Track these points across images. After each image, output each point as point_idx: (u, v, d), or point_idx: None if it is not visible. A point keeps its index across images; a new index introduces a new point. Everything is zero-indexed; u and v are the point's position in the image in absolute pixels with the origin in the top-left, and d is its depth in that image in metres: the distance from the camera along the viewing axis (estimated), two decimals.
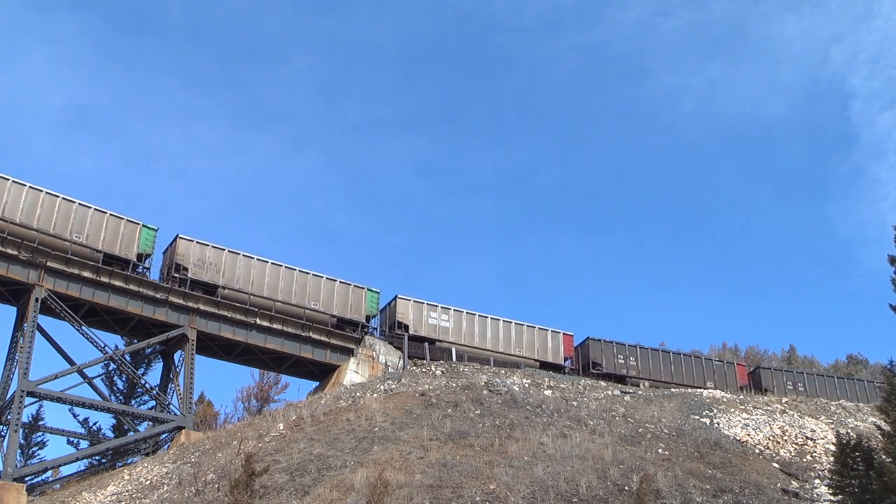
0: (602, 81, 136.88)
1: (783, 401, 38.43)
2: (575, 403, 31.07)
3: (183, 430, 30.83)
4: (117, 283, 31.60)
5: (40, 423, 33.23)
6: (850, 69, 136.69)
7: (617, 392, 35.61)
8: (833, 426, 32.89)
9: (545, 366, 39.87)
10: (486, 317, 40.31)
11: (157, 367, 36.06)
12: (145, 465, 26.88)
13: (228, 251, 34.77)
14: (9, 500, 25.54)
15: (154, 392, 33.40)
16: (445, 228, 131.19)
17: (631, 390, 36.86)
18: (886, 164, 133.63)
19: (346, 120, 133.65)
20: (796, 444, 29.67)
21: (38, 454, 33.92)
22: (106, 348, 31.39)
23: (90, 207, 31.71)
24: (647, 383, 40.41)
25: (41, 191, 30.80)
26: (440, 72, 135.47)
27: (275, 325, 34.88)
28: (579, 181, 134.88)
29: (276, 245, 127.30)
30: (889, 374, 18.57)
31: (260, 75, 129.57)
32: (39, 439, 34.04)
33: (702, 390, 39.21)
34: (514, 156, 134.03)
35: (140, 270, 32.40)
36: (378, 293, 38.17)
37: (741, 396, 38.56)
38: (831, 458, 21.13)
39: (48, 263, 30.06)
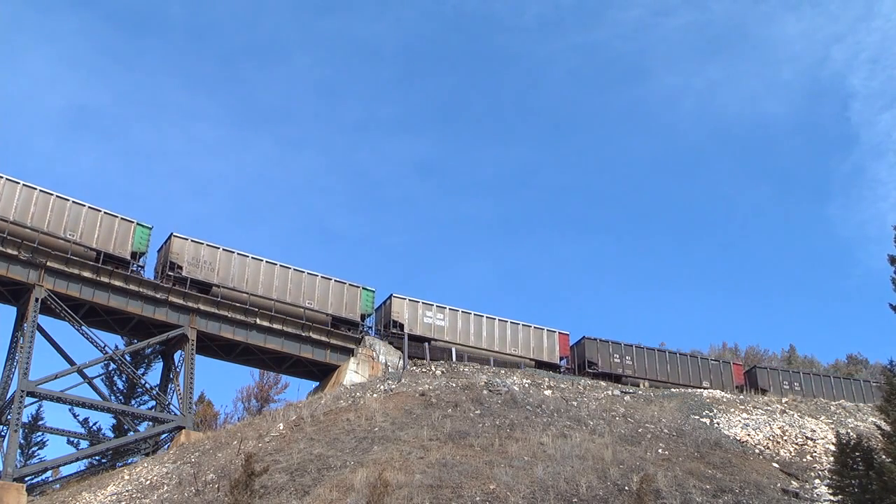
0: (602, 81, 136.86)
1: (783, 401, 38.43)
2: (575, 403, 31.07)
3: (183, 430, 30.83)
4: (117, 283, 31.60)
5: (40, 423, 33.23)
6: (851, 69, 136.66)
7: (617, 392, 35.60)
8: (833, 426, 32.88)
9: (540, 365, 39.85)
10: (482, 316, 40.29)
11: (157, 367, 36.13)
12: (145, 465, 26.89)
13: (223, 249, 34.71)
14: (9, 500, 25.55)
15: (154, 392, 33.40)
16: (445, 228, 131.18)
17: (631, 390, 36.85)
18: (886, 164, 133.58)
19: (346, 120, 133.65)
20: (796, 444, 29.67)
21: (38, 454, 33.95)
22: (106, 348, 31.40)
23: (84, 205, 31.66)
24: (646, 383, 40.40)
25: (35, 188, 30.71)
26: (440, 72, 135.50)
27: (275, 325, 34.88)
28: (579, 181, 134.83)
29: (276, 245, 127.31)
30: (889, 374, 18.56)
31: (260, 75, 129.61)
32: (39, 439, 34.06)
33: (702, 390, 39.23)
34: (514, 156, 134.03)
35: (134, 269, 32.31)
36: (373, 292, 38.15)
37: (741, 396, 38.56)
38: (831, 458, 21.11)
39: (48, 263, 30.06)
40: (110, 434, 34.35)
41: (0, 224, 29.38)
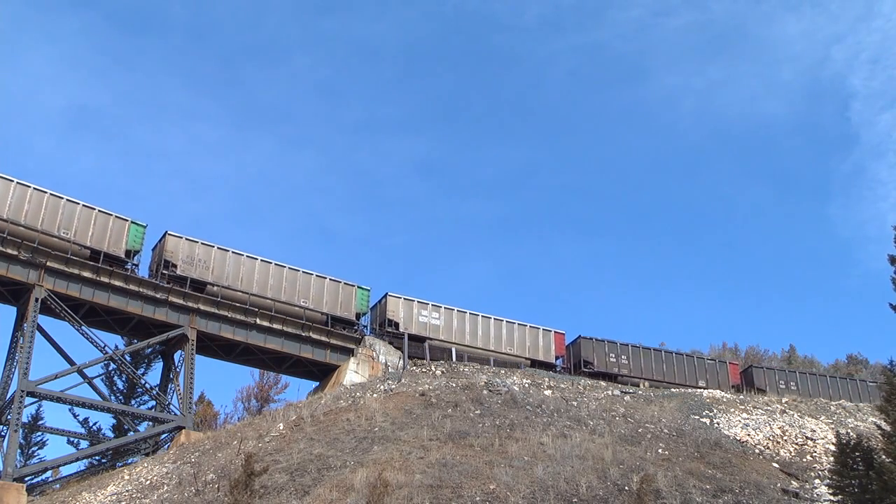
0: (602, 81, 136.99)
1: (783, 401, 38.43)
2: (575, 403, 31.07)
3: (183, 430, 30.82)
4: (117, 282, 31.58)
5: (40, 423, 33.23)
6: (851, 69, 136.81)
7: (617, 392, 35.61)
8: (833, 426, 32.89)
9: (536, 364, 39.85)
10: (477, 315, 40.26)
11: (157, 367, 36.11)
12: (145, 465, 26.88)
13: (218, 248, 34.63)
14: (9, 500, 25.54)
15: (154, 392, 33.39)
16: (445, 228, 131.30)
17: (631, 390, 36.85)
18: (886, 164, 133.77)
19: (346, 120, 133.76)
20: (796, 444, 29.67)
21: (38, 454, 33.97)
22: (106, 348, 31.38)
23: (78, 203, 31.58)
24: (646, 383, 40.41)
25: (28, 186, 30.60)
26: (440, 72, 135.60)
27: (275, 325, 34.87)
28: (579, 181, 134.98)
29: (276, 245, 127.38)
30: (889, 374, 18.57)
31: (260, 75, 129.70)
32: (39, 439, 34.07)
33: (702, 390, 39.24)
34: (514, 156, 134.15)
35: (129, 267, 32.28)
36: (368, 290, 38.07)
37: (741, 396, 38.58)
38: (831, 458, 21.12)
39: (48, 263, 30.05)
40: (110, 434, 34.35)
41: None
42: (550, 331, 41.45)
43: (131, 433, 32.71)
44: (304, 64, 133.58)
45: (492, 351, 39.40)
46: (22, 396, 27.91)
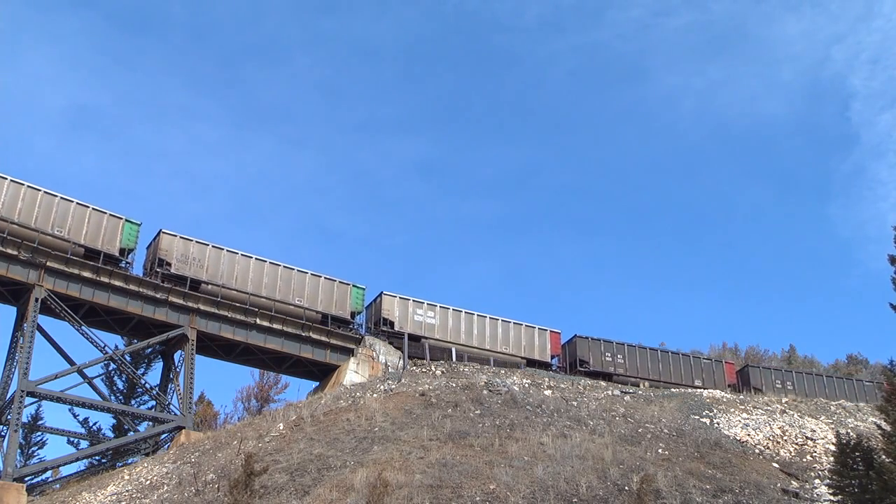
0: (602, 81, 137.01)
1: (783, 401, 38.42)
2: (575, 403, 31.07)
3: (183, 430, 30.82)
4: (117, 282, 31.57)
5: (40, 423, 33.24)
6: (851, 69, 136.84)
7: (617, 392, 35.60)
8: (833, 426, 32.88)
9: (531, 363, 39.78)
10: (473, 314, 40.17)
11: (157, 367, 36.11)
12: (145, 465, 26.88)
13: (212, 246, 34.56)
14: (9, 500, 25.54)
15: (154, 392, 33.39)
16: (445, 228, 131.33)
17: (631, 390, 36.85)
18: (886, 165, 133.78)
19: (346, 120, 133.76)
20: (796, 444, 29.67)
21: (38, 454, 33.96)
22: (106, 348, 31.38)
23: (72, 201, 31.53)
24: (646, 383, 40.42)
25: (22, 184, 30.57)
26: (440, 72, 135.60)
27: (274, 325, 34.86)
28: (579, 181, 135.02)
29: (276, 245, 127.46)
30: (889, 374, 18.57)
31: (261, 75, 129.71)
32: (39, 439, 34.07)
33: (702, 390, 39.23)
34: (514, 156, 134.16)
35: (123, 265, 32.24)
36: (363, 289, 37.98)
37: (741, 396, 38.57)
38: (831, 458, 21.12)
39: (48, 263, 30.04)
40: (110, 434, 34.35)
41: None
42: (546, 330, 41.40)
43: (131, 433, 32.71)
44: (305, 64, 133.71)
45: (487, 350, 39.32)
46: (22, 396, 27.92)
